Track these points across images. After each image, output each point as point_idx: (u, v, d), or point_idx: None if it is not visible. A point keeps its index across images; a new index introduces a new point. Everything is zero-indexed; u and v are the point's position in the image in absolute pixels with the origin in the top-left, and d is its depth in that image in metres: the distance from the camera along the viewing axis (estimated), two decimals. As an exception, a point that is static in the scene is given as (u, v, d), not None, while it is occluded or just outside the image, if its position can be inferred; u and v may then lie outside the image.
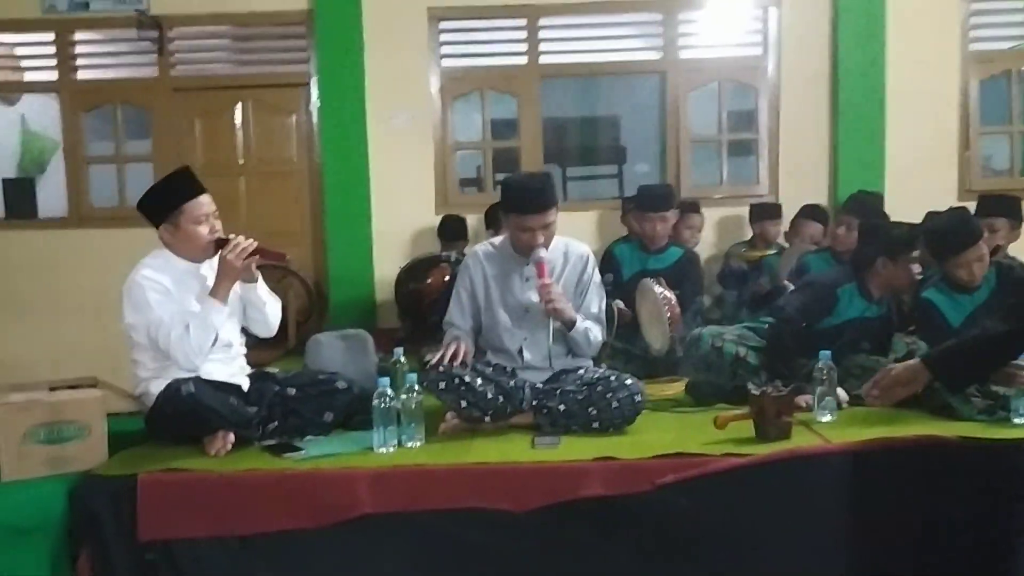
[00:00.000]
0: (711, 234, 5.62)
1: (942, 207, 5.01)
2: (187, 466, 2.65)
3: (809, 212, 5.05)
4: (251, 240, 2.93)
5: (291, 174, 5.76)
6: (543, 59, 5.70)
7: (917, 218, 3.91)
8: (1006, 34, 5.90)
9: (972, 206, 4.06)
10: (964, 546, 2.53)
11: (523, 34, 5.64)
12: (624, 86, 7.14)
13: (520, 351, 3.12)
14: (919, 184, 5.41)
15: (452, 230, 5.32)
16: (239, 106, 5.69)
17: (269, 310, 3.11)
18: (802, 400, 2.93)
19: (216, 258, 2.98)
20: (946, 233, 3.17)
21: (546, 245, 3.03)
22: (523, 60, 5.68)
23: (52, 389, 2.87)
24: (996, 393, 2.83)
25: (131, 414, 3.11)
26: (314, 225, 5.72)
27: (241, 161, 5.71)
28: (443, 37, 5.64)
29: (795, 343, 3.24)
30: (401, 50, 5.54)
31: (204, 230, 2.93)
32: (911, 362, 2.42)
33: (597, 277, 3.20)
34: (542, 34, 5.65)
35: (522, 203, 3.00)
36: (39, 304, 5.57)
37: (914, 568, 2.55)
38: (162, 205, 2.93)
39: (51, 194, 6.02)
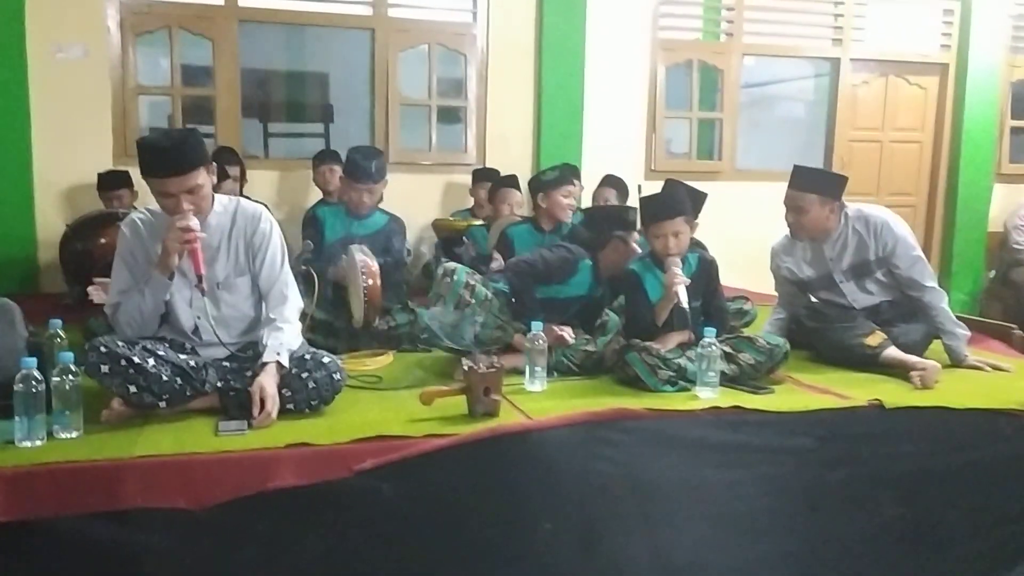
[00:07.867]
0: (425, 199, 5.54)
1: (632, 184, 5.29)
2: None
3: (507, 181, 5.02)
4: None
5: (-76, 109, 4.80)
6: (242, 1, 5.21)
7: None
8: (689, 25, 6.37)
9: (658, 186, 4.04)
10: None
11: (219, -29, 5.13)
12: (334, 41, 6.80)
13: (196, 330, 2.75)
14: (612, 161, 5.69)
15: (112, 179, 4.76)
16: None
17: None
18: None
19: None
20: (651, 202, 3.33)
21: (201, 211, 2.64)
22: (219, 0, 5.16)
23: None
24: (680, 366, 3.00)
25: None
26: (-45, 172, 4.83)
27: None
28: (123, -39, 4.98)
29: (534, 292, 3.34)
30: (71, -29, 4.82)
31: None
32: None
33: (276, 238, 2.81)
34: (242, -26, 5.18)
35: (155, 165, 2.58)
36: None
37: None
38: None
39: None
